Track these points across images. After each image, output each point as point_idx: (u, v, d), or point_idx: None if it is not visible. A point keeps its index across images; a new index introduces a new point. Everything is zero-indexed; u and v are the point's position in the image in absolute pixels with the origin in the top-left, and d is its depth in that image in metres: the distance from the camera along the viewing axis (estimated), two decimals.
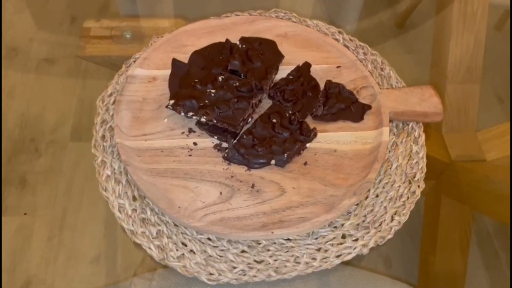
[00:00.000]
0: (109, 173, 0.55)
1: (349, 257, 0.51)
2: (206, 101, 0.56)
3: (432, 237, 0.97)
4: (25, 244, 1.11)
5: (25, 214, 1.07)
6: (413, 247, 1.07)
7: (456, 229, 0.98)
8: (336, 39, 0.67)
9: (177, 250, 0.50)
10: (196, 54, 0.63)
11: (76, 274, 1.09)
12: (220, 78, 0.58)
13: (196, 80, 0.58)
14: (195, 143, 0.56)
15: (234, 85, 0.57)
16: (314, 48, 0.66)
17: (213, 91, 0.57)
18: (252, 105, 0.57)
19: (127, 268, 1.10)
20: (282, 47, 0.64)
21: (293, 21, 0.69)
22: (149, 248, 0.50)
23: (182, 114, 0.56)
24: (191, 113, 0.55)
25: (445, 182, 0.89)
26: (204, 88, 0.57)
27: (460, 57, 0.86)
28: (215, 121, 0.55)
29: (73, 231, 1.13)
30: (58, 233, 1.12)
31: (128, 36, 0.73)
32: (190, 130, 0.57)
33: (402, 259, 1.12)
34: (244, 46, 0.62)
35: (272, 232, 0.50)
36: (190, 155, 0.55)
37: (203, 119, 0.55)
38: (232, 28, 0.67)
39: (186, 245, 0.51)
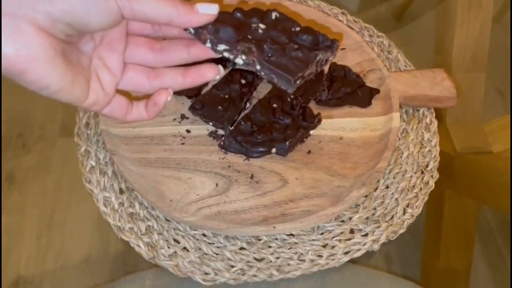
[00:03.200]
0: (93, 163, 0.50)
1: (358, 254, 0.46)
2: (250, 37, 0.38)
3: (436, 233, 0.93)
4: (12, 244, 1.07)
5: None
6: (414, 243, 1.03)
7: (461, 225, 0.94)
8: (339, 21, 0.63)
9: (168, 247, 0.45)
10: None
11: (65, 275, 1.05)
12: (273, 15, 0.40)
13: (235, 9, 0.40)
14: (188, 131, 0.51)
15: (293, 29, 0.40)
16: (316, 29, 0.61)
17: (262, 26, 0.39)
18: (317, 63, 0.39)
19: (118, 267, 1.06)
20: None
21: (293, 1, 0.64)
22: (138, 245, 0.45)
23: (208, 43, 0.37)
24: (223, 46, 0.37)
25: (450, 175, 0.85)
26: (248, 20, 0.39)
27: (465, 45, 0.82)
28: (258, 67, 0.37)
29: (62, 230, 1.09)
30: (46, 232, 1.08)
31: None
32: (183, 116, 0.52)
33: (403, 256, 1.08)
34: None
35: (274, 227, 0.45)
36: (182, 144, 0.51)
37: (240, 60, 0.38)
38: (226, 8, 0.62)
39: (178, 242, 0.46)
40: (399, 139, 0.53)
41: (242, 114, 0.52)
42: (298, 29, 0.40)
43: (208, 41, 0.37)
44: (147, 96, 0.40)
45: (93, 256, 1.09)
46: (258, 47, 0.37)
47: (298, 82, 0.38)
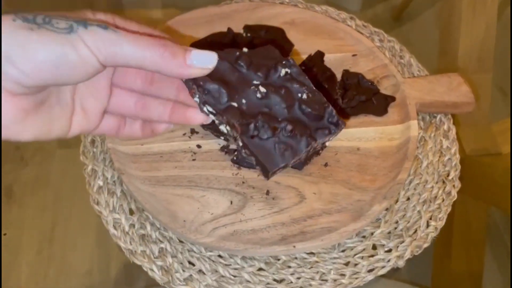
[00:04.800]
0: (101, 183, 0.47)
1: (383, 271, 0.44)
2: (243, 101, 0.34)
3: (446, 237, 0.91)
4: (13, 259, 1.04)
5: (4, 234, 1.00)
6: (424, 251, 1.02)
7: (471, 228, 0.92)
8: (348, 26, 0.61)
9: (183, 271, 0.43)
10: (194, 46, 0.56)
11: None
12: (283, 71, 0.35)
13: (245, 50, 0.35)
14: (198, 146, 0.49)
15: (300, 96, 0.35)
16: (325, 35, 0.59)
17: (262, 90, 0.34)
18: (309, 151, 0.35)
19: (121, 280, 1.04)
20: (290, 36, 0.58)
21: (300, 7, 0.62)
22: (151, 269, 0.43)
23: (196, 98, 0.34)
24: (209, 107, 0.34)
25: (460, 178, 0.83)
26: (250, 75, 0.34)
27: (471, 46, 0.81)
28: (240, 144, 0.35)
29: (63, 244, 1.06)
30: (47, 246, 1.06)
31: None
32: (193, 131, 0.50)
33: (411, 261, 1.07)
34: (249, 35, 0.55)
35: (294, 246, 0.43)
36: (193, 160, 0.48)
37: (224, 128, 0.35)
38: (232, 16, 0.60)
39: (194, 265, 0.44)
40: (417, 147, 0.51)
41: None
42: (304, 96, 0.35)
43: (197, 96, 0.34)
44: None
45: (95, 269, 1.07)
46: (243, 125, 0.33)
47: (277, 172, 0.35)
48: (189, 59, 0.31)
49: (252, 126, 0.34)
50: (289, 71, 0.35)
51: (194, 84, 0.33)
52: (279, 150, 0.34)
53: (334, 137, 0.36)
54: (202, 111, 0.34)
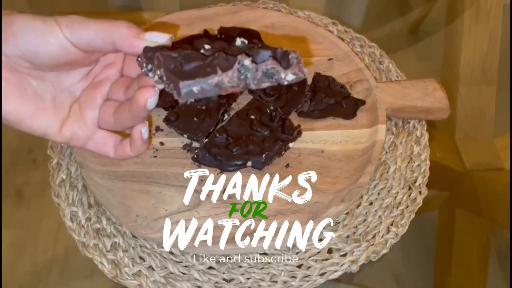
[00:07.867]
0: (63, 176, 0.48)
1: (335, 275, 0.43)
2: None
3: (447, 255, 0.88)
4: (18, 258, 1.06)
5: None
6: (427, 265, 0.98)
7: (473, 245, 0.89)
8: (329, 31, 0.60)
9: (133, 265, 0.43)
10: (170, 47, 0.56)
11: None
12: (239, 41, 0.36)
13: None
14: (161, 143, 0.49)
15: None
16: (303, 39, 0.59)
17: (206, 47, 0.34)
18: (242, 71, 0.33)
19: (121, 285, 1.04)
20: (268, 39, 0.58)
21: (283, 12, 0.62)
22: (101, 263, 0.43)
23: (144, 68, 0.34)
24: (149, 65, 0.34)
25: (460, 194, 0.81)
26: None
27: (474, 58, 0.79)
28: (166, 80, 0.32)
29: (68, 245, 1.08)
30: (52, 247, 1.07)
31: None
32: (157, 128, 0.50)
33: (415, 279, 1.03)
34: (222, 36, 0.55)
35: (245, 245, 0.42)
36: (155, 156, 0.48)
37: (156, 76, 0.34)
38: (213, 19, 0.60)
39: (144, 260, 0.44)
40: (387, 152, 0.50)
41: (218, 127, 0.50)
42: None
43: (144, 65, 0.34)
44: None
45: (97, 272, 1.07)
46: (166, 56, 0.32)
47: (194, 89, 0.31)
48: (142, 34, 0.34)
49: (177, 54, 0.32)
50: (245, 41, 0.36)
51: (142, 55, 0.34)
52: (204, 70, 0.32)
53: (296, 71, 0.34)
54: (148, 76, 0.34)
